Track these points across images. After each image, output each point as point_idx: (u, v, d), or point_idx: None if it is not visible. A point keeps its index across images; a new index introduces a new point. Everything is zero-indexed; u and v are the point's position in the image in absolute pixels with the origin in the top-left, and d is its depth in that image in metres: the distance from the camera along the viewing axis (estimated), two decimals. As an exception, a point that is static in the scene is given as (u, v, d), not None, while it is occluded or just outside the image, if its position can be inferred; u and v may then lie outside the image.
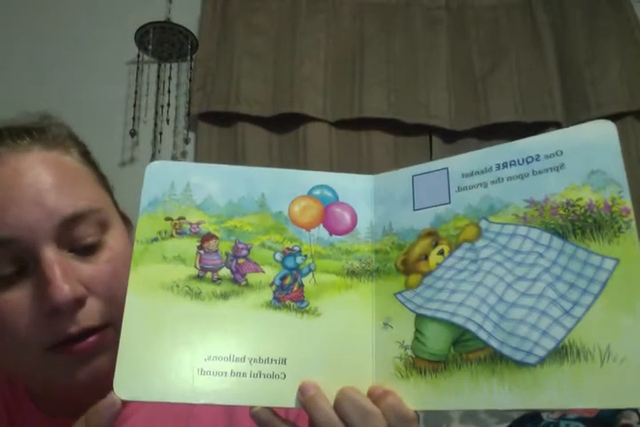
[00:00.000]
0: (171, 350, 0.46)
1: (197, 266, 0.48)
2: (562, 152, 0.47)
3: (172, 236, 0.49)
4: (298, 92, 1.79)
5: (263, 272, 0.49)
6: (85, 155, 0.61)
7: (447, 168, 0.51)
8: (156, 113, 1.81)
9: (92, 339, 0.52)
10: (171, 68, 1.86)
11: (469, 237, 0.48)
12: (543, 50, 1.86)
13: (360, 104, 1.81)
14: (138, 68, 1.84)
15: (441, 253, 0.48)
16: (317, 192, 0.53)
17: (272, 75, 1.83)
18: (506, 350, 0.43)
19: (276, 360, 0.46)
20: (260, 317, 0.48)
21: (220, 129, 1.81)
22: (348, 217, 0.52)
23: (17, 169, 0.53)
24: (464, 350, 0.45)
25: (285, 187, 0.52)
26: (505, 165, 0.49)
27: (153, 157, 1.80)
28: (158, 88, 1.84)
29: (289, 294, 0.49)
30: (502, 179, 0.48)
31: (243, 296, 0.48)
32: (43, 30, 1.92)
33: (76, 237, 0.53)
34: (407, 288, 0.48)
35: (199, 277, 0.48)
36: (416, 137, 1.86)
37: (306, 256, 0.50)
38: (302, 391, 0.45)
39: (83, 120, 2.01)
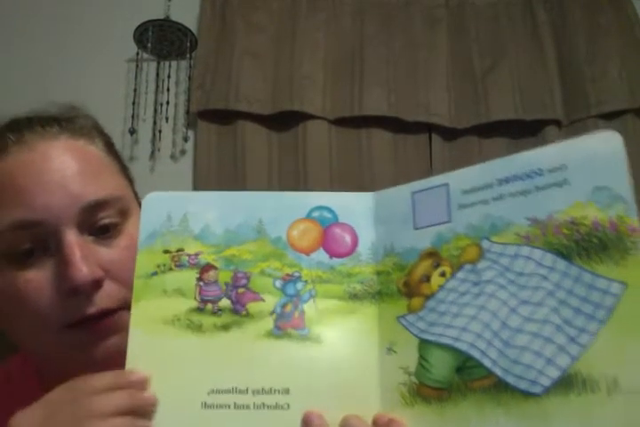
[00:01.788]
0: (174, 385, 0.46)
1: (197, 298, 0.48)
2: (566, 166, 0.44)
3: (171, 269, 0.49)
4: (297, 90, 1.78)
5: (263, 301, 0.48)
6: (109, 145, 0.63)
7: (448, 184, 0.49)
8: (156, 111, 1.80)
9: (107, 319, 0.53)
10: (170, 66, 1.86)
11: (471, 258, 0.46)
12: (543, 48, 1.86)
13: (360, 102, 1.80)
14: (137, 66, 1.83)
15: (443, 274, 0.47)
16: (316, 214, 0.51)
17: (272, 73, 1.83)
18: (510, 379, 0.41)
19: (279, 391, 0.46)
20: (262, 346, 0.47)
21: (220, 127, 1.80)
22: (348, 238, 0.51)
23: (45, 155, 0.55)
24: (468, 377, 0.43)
25: (283, 210, 0.51)
26: (506, 181, 0.46)
27: (152, 155, 1.80)
28: (157, 86, 1.84)
29: (290, 321, 0.48)
30: (504, 195, 0.46)
31: (244, 327, 0.47)
32: (42, 29, 1.92)
33: (97, 222, 0.55)
34: (410, 312, 0.47)
35: (200, 310, 0.48)
36: (416, 135, 1.85)
37: (306, 282, 0.49)
38: (306, 422, 0.44)
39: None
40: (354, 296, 0.49)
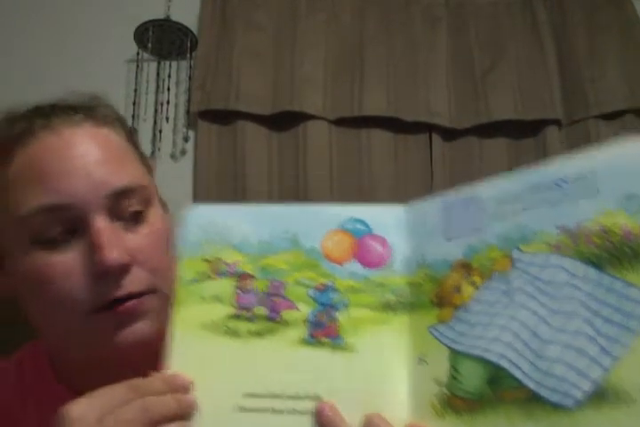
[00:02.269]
0: (211, 388, 0.47)
1: (235, 305, 0.50)
2: (594, 174, 0.44)
3: (210, 277, 0.51)
4: (298, 91, 1.78)
5: (298, 309, 0.50)
6: (130, 134, 0.64)
7: (478, 195, 0.49)
8: (156, 111, 1.81)
9: (135, 301, 0.54)
10: (170, 65, 1.86)
11: (501, 268, 0.46)
12: (543, 47, 1.86)
13: (360, 102, 1.80)
14: (137, 66, 1.84)
15: (473, 284, 0.47)
16: (350, 226, 0.52)
17: (272, 73, 1.83)
18: (542, 391, 0.41)
19: (310, 397, 0.46)
20: (295, 353, 0.48)
21: (220, 127, 1.81)
22: (381, 249, 0.51)
23: (71, 141, 0.56)
24: (499, 389, 0.43)
25: (317, 222, 0.52)
26: (536, 190, 0.46)
27: (152, 155, 1.80)
28: (158, 86, 1.84)
29: (323, 330, 0.49)
30: (534, 205, 0.46)
31: (278, 334, 0.49)
32: (42, 28, 1.92)
33: (123, 209, 0.56)
34: (441, 322, 0.47)
35: (236, 316, 0.49)
36: (416, 135, 1.85)
37: (339, 291, 0.50)
38: (318, 413, 0.45)
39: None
40: (386, 306, 0.49)
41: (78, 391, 0.58)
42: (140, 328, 0.55)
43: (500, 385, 0.43)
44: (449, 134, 1.85)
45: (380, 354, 0.48)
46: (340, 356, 0.48)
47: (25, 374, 0.64)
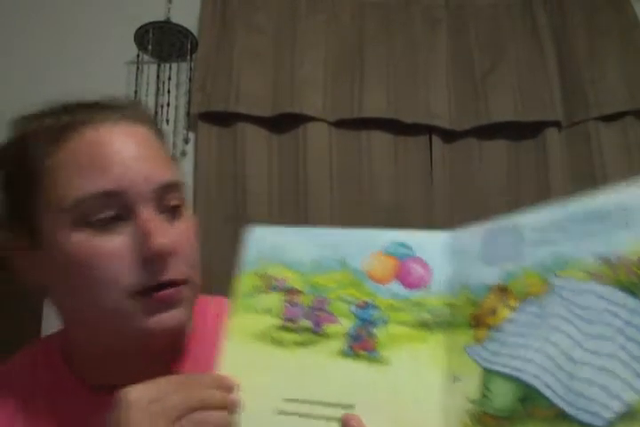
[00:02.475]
0: (255, 391, 0.51)
1: (282, 317, 0.54)
2: (631, 207, 0.46)
3: (263, 291, 0.56)
4: (297, 92, 1.79)
5: (339, 323, 0.53)
6: (161, 135, 0.68)
7: (519, 223, 0.52)
8: (156, 113, 1.80)
9: (173, 289, 0.57)
10: (170, 68, 1.86)
11: (537, 292, 0.48)
12: (543, 49, 1.86)
13: (360, 104, 1.81)
14: (137, 68, 1.84)
15: (509, 307, 0.49)
16: (394, 249, 0.56)
17: (272, 74, 1.83)
18: (572, 411, 0.42)
19: (344, 406, 0.49)
20: (334, 364, 0.51)
21: (220, 129, 1.81)
22: (422, 272, 0.54)
23: (116, 135, 0.60)
24: (530, 407, 0.44)
25: (364, 245, 0.57)
26: (575, 220, 0.48)
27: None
28: (158, 88, 1.84)
29: (361, 343, 0.52)
30: (573, 234, 0.48)
31: (319, 345, 0.52)
32: (42, 30, 1.92)
33: (166, 203, 0.60)
34: (476, 342, 0.49)
35: (283, 327, 0.54)
36: (416, 137, 1.86)
37: (380, 309, 0.53)
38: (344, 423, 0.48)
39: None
40: (423, 325, 0.52)
41: (93, 386, 0.62)
42: (174, 315, 0.58)
43: (530, 404, 0.44)
44: (449, 136, 1.85)
45: (414, 369, 0.50)
46: (376, 369, 0.51)
47: (38, 370, 0.66)
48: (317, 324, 0.53)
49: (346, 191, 1.78)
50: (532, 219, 0.51)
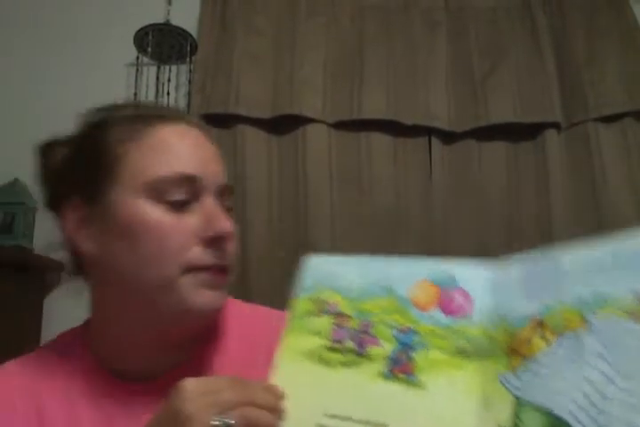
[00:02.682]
0: (300, 405, 0.55)
1: (330, 338, 0.58)
2: None
3: (315, 314, 0.60)
4: (297, 94, 1.79)
5: (382, 346, 0.56)
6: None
7: (560, 260, 0.53)
8: (156, 115, 1.81)
9: (224, 272, 0.64)
10: (170, 70, 1.87)
11: (575, 328, 0.49)
12: (542, 51, 1.86)
13: (359, 105, 1.81)
14: (137, 70, 1.84)
15: (545, 340, 0.50)
16: (437, 278, 0.59)
17: (271, 76, 1.83)
18: None
19: (379, 425, 0.52)
20: (374, 385, 0.54)
21: (220, 131, 1.81)
22: (463, 301, 0.57)
23: (194, 134, 0.68)
24: None
25: (410, 273, 0.60)
26: (616, 260, 0.49)
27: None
28: (158, 90, 1.84)
29: (400, 366, 0.55)
30: (613, 273, 0.49)
31: (362, 366, 0.56)
32: (42, 32, 1.93)
33: (223, 201, 0.67)
34: (510, 371, 0.51)
35: (330, 348, 0.57)
36: (415, 138, 1.86)
37: (420, 334, 0.56)
38: None
39: (82, 122, 1.98)
40: (461, 352, 0.54)
41: (113, 372, 0.67)
42: (217, 296, 0.64)
43: None
44: (448, 137, 1.86)
45: (449, 394, 0.52)
46: (413, 392, 0.53)
47: (66, 356, 0.69)
48: (361, 346, 0.57)
49: (345, 193, 1.78)
50: (573, 256, 0.52)
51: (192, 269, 0.62)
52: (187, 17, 1.88)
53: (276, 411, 0.53)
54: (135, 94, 1.81)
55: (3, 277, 1.56)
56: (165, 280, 0.62)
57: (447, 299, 0.57)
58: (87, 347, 0.70)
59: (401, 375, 0.54)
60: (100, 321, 0.69)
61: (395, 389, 0.53)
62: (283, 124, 1.81)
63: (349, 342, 0.57)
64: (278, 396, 0.54)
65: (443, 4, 1.95)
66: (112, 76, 1.88)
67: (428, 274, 0.59)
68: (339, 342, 0.58)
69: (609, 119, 1.80)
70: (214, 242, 0.63)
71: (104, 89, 1.86)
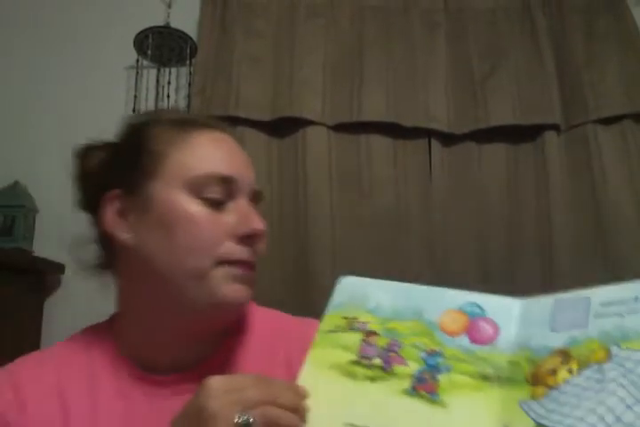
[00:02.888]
0: (322, 412, 0.56)
1: (358, 354, 0.60)
2: None
3: (344, 330, 0.62)
4: (297, 96, 1.79)
5: (408, 366, 0.58)
6: None
7: (589, 298, 0.57)
8: (156, 117, 1.81)
9: (252, 269, 0.69)
10: (170, 72, 1.87)
11: (599, 359, 0.51)
12: (541, 53, 1.87)
13: (359, 108, 1.81)
14: (137, 72, 1.84)
15: (569, 371, 0.52)
16: (467, 308, 0.62)
17: (271, 79, 1.84)
18: None
19: None
20: (396, 400, 0.56)
21: (220, 133, 1.81)
22: (490, 331, 0.60)
23: (232, 141, 0.74)
24: None
25: (440, 302, 0.63)
26: None
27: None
28: (158, 93, 1.84)
29: (424, 385, 0.57)
30: (638, 311, 0.52)
31: (387, 382, 0.58)
32: (43, 36, 1.93)
33: (256, 203, 0.73)
34: (532, 398, 0.53)
35: (357, 363, 0.59)
36: (415, 140, 1.86)
37: (445, 358, 0.58)
38: None
39: (83, 125, 2.02)
40: (484, 377, 0.56)
41: (139, 365, 0.70)
42: (245, 290, 0.67)
43: None
44: (448, 139, 1.86)
45: (469, 416, 0.54)
46: (434, 410, 0.55)
47: (92, 349, 0.72)
48: (388, 363, 0.59)
49: (345, 195, 1.78)
50: (601, 293, 0.56)
51: (224, 262, 0.66)
52: (186, 20, 1.89)
53: (298, 411, 0.54)
54: (135, 97, 1.82)
55: (3, 279, 1.56)
56: (198, 271, 0.65)
57: (474, 327, 0.60)
58: (113, 340, 0.72)
59: (423, 393, 0.56)
60: (129, 314, 0.72)
61: (416, 405, 0.55)
62: (283, 127, 1.81)
63: (377, 358, 0.59)
64: (301, 396, 0.55)
65: (442, 5, 1.95)
66: (112, 79, 1.88)
67: (459, 304, 0.62)
68: (366, 358, 0.60)
69: (608, 121, 1.80)
70: (246, 239, 0.67)
71: (104, 92, 1.87)
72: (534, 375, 0.54)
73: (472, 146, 1.85)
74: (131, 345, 0.71)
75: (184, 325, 0.68)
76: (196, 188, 0.67)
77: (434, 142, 1.86)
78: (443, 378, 0.57)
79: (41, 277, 1.71)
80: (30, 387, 0.67)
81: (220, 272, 0.66)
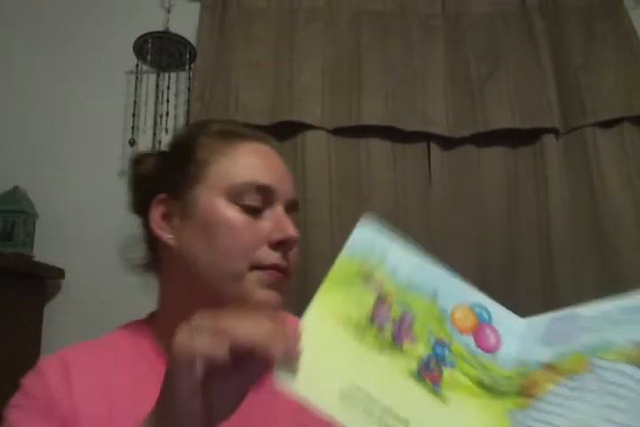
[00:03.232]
0: (324, 368, 0.52)
1: (369, 315, 0.56)
2: None
3: (359, 283, 0.57)
4: (296, 101, 1.79)
5: (416, 347, 0.56)
6: None
7: (578, 313, 0.59)
8: (155, 122, 1.82)
9: (284, 275, 0.71)
10: (169, 77, 1.88)
11: (580, 370, 0.54)
12: (539, 56, 1.87)
13: (358, 112, 1.81)
14: (137, 77, 1.85)
15: (554, 381, 0.54)
16: (477, 309, 0.61)
17: (270, 83, 1.84)
18: None
19: (401, 419, 0.51)
20: (403, 380, 0.54)
21: (219, 138, 1.81)
22: (493, 340, 0.60)
23: (274, 152, 0.79)
24: None
25: (457, 292, 0.61)
26: (622, 313, 0.55)
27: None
28: (157, 98, 1.85)
29: (429, 374, 0.55)
30: (619, 324, 0.55)
31: (395, 358, 0.55)
32: (42, 41, 1.93)
33: (291, 212, 0.75)
34: (519, 408, 0.54)
35: (367, 324, 0.55)
36: (414, 144, 1.86)
37: (452, 353, 0.57)
38: None
39: (83, 129, 2.02)
40: (481, 384, 0.57)
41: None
42: (277, 296, 0.70)
43: None
44: (447, 143, 1.86)
45: (465, 418, 0.54)
46: (436, 401, 0.54)
47: (135, 341, 0.75)
48: (398, 338, 0.56)
49: (345, 198, 1.78)
50: (589, 309, 0.58)
51: (259, 267, 0.69)
52: (186, 25, 1.89)
53: (288, 348, 0.48)
54: (135, 102, 1.82)
55: (2, 284, 1.56)
56: (234, 274, 0.69)
57: (481, 331, 0.60)
58: (153, 335, 0.76)
59: (428, 382, 0.55)
60: (168, 311, 0.76)
61: (419, 392, 0.54)
62: (282, 131, 1.82)
63: (388, 329, 0.56)
64: (295, 338, 0.49)
65: (440, 10, 1.96)
66: (112, 84, 1.88)
67: (471, 302, 0.61)
68: (378, 324, 0.56)
69: (607, 124, 1.81)
70: (280, 245, 0.71)
71: (104, 97, 1.87)
72: (523, 387, 0.56)
73: (471, 149, 1.86)
74: (169, 340, 0.73)
75: None
76: (236, 195, 0.71)
77: (433, 146, 1.86)
78: (447, 372, 0.56)
79: (41, 282, 1.71)
80: (78, 372, 0.70)
81: (254, 276, 0.69)
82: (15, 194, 1.72)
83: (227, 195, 0.72)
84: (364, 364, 0.54)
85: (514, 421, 0.54)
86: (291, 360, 0.48)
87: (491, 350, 0.59)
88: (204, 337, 0.48)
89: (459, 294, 0.61)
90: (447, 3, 1.96)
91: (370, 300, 0.57)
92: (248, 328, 0.47)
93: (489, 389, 0.56)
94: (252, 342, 0.47)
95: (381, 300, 0.57)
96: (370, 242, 0.60)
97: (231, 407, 0.51)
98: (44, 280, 1.72)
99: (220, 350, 0.46)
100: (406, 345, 0.56)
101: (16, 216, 1.69)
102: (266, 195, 0.73)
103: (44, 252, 1.72)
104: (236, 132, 0.78)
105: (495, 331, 0.60)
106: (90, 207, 1.78)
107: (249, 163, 0.74)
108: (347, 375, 0.52)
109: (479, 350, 0.58)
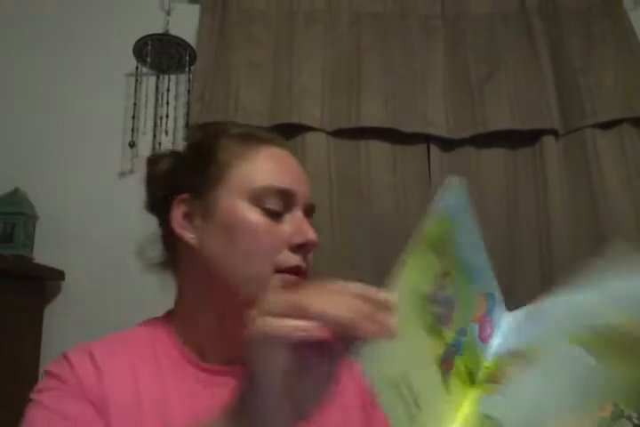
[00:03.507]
0: (390, 347, 0.50)
1: (430, 291, 0.57)
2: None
3: (436, 250, 0.58)
4: (296, 103, 1.80)
5: (450, 332, 0.58)
6: None
7: (544, 308, 0.62)
8: (155, 124, 1.82)
9: (303, 276, 0.72)
10: (169, 79, 1.88)
11: (542, 357, 0.57)
12: (539, 57, 1.87)
13: (358, 113, 1.81)
14: (136, 80, 1.85)
15: (518, 367, 0.58)
16: (489, 298, 0.64)
17: (270, 85, 1.84)
18: None
19: (417, 406, 0.54)
20: (431, 367, 0.56)
21: (219, 139, 1.81)
22: (489, 331, 0.63)
23: (293, 157, 0.80)
24: None
25: (485, 279, 0.63)
26: (574, 309, 0.59)
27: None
28: (157, 100, 1.85)
29: (446, 361, 0.57)
30: (575, 315, 0.58)
31: (432, 340, 0.57)
32: (42, 43, 1.94)
33: (309, 216, 0.76)
34: (487, 394, 0.58)
35: (427, 301, 0.57)
36: (414, 146, 1.86)
37: (466, 341, 0.60)
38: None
39: (83, 131, 2.02)
40: (471, 375, 0.59)
41: (195, 356, 0.74)
42: None
43: None
44: (447, 144, 1.86)
45: (457, 410, 0.57)
46: (442, 390, 0.56)
47: (155, 337, 0.76)
48: (441, 320, 0.57)
49: (345, 200, 1.78)
50: (551, 304, 0.62)
51: (281, 270, 0.71)
52: (185, 27, 1.89)
53: (382, 325, 0.43)
54: (135, 104, 1.82)
55: (3, 286, 1.56)
56: (260, 276, 0.70)
57: (485, 320, 0.62)
58: (171, 331, 0.77)
59: (444, 370, 0.57)
60: (186, 309, 0.77)
61: (435, 380, 0.56)
62: (282, 133, 1.80)
63: (440, 308, 0.57)
64: (389, 308, 0.44)
65: (439, 11, 1.96)
66: (112, 86, 1.89)
67: (488, 291, 0.63)
68: (435, 301, 0.56)
69: (606, 125, 1.81)
70: (299, 248, 0.72)
71: (104, 99, 1.87)
72: (490, 374, 0.58)
73: (471, 151, 1.86)
74: (188, 337, 0.76)
75: (235, 323, 0.67)
76: (258, 198, 0.73)
77: (433, 147, 1.86)
78: (457, 361, 0.58)
79: (41, 284, 1.71)
80: (106, 362, 0.71)
81: (276, 279, 0.70)
82: (15, 196, 1.72)
83: (248, 198, 0.73)
84: (415, 347, 0.55)
85: (481, 404, 0.56)
86: (384, 337, 0.43)
87: (485, 341, 0.61)
88: (287, 321, 0.43)
89: (485, 282, 0.63)
90: (447, 4, 1.97)
91: (435, 272, 0.57)
92: (339, 306, 0.43)
93: (474, 380, 0.58)
94: (347, 322, 0.42)
95: (444, 276, 0.58)
96: (453, 207, 0.61)
97: (317, 406, 0.47)
98: (45, 282, 1.72)
99: (308, 333, 0.43)
100: (444, 330, 0.58)
101: (16, 218, 1.69)
102: (286, 199, 0.74)
103: (44, 253, 1.72)
104: (256, 136, 0.79)
105: (492, 322, 0.62)
106: (90, 209, 1.79)
107: (270, 167, 0.76)
108: (404, 361, 0.54)
109: (478, 340, 0.60)
